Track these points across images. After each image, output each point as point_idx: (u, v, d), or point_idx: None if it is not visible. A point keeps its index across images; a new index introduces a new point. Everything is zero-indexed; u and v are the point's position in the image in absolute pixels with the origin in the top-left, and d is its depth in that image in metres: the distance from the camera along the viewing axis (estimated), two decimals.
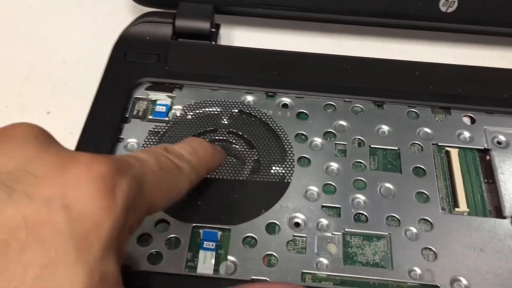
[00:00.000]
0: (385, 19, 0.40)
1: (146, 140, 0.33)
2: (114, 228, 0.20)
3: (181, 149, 0.26)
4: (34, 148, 0.20)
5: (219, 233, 0.29)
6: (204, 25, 0.39)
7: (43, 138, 0.21)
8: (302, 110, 0.35)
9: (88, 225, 0.19)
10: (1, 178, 0.19)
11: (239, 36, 0.43)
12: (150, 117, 0.34)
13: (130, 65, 0.37)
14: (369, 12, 0.40)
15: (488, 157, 0.34)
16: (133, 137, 0.33)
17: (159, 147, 0.25)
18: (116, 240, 0.20)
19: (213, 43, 0.39)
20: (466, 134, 0.34)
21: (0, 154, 0.20)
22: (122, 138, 0.33)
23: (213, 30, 0.39)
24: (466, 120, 0.35)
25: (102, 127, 0.33)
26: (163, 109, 0.35)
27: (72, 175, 0.19)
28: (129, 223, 0.21)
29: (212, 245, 0.29)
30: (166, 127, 0.34)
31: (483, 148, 0.34)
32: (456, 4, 0.38)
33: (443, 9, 0.39)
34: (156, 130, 0.34)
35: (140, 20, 0.39)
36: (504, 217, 0.30)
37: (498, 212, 0.31)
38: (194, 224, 0.29)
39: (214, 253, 0.28)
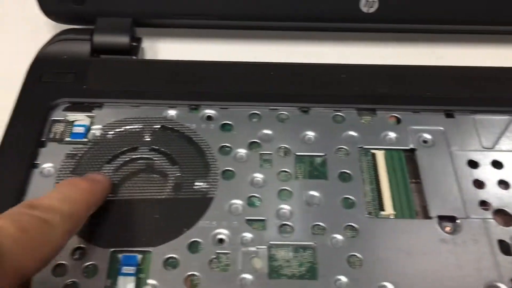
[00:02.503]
0: (306, 22, 0.39)
1: (63, 164, 0.32)
2: None
3: (49, 200, 0.24)
4: None
5: (139, 256, 0.28)
6: (123, 39, 0.38)
7: None
8: (226, 122, 0.34)
9: None
10: None
11: (164, 48, 0.42)
12: (68, 139, 0.33)
13: (46, 86, 0.35)
14: (290, 17, 0.39)
15: (414, 157, 0.33)
16: (49, 161, 0.32)
17: (22, 205, 0.23)
18: None
19: (134, 57, 0.38)
20: (392, 134, 0.34)
21: None
22: (38, 164, 0.32)
23: (133, 44, 0.38)
24: (392, 121, 0.35)
25: (16, 153, 0.32)
26: (81, 130, 0.33)
27: None
28: None
29: (132, 269, 0.28)
30: (85, 149, 0.33)
31: (409, 148, 0.33)
32: (377, 4, 0.38)
33: (364, 9, 0.39)
34: (73, 152, 0.32)
35: (56, 38, 0.38)
36: (430, 218, 0.30)
37: (425, 212, 0.31)
38: (112, 249, 0.28)
39: (134, 278, 0.27)
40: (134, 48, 0.39)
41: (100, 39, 0.38)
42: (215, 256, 0.28)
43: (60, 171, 0.31)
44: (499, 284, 0.27)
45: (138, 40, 0.39)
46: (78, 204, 0.25)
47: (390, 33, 0.41)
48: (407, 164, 0.33)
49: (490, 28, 0.41)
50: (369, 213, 0.30)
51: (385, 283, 0.27)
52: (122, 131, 0.34)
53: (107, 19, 0.38)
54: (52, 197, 0.25)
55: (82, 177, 0.29)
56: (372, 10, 0.38)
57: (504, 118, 0.35)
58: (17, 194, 0.30)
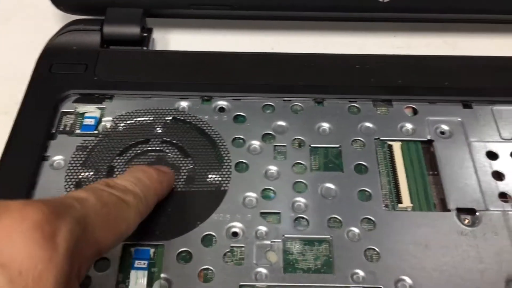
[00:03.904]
0: (322, 12, 0.39)
1: (73, 156, 0.31)
2: (59, 279, 0.18)
3: (124, 181, 0.25)
4: None
5: (152, 250, 0.28)
6: (134, 30, 0.37)
7: None
8: (239, 113, 0.34)
9: (30, 282, 0.17)
10: None
11: (175, 39, 0.41)
12: (78, 131, 0.33)
13: (56, 78, 0.35)
14: (305, 7, 0.38)
15: (432, 149, 0.32)
16: (59, 154, 0.31)
17: (100, 182, 0.24)
18: None
19: (145, 48, 0.38)
20: (409, 126, 0.33)
21: None
22: (48, 156, 0.31)
23: (144, 34, 0.38)
24: (408, 112, 0.34)
25: (26, 146, 0.31)
26: (91, 122, 0.33)
27: (3, 227, 0.18)
28: (75, 270, 0.19)
29: (144, 263, 0.27)
30: (95, 141, 0.32)
31: (426, 139, 0.33)
32: None
33: None
34: (84, 145, 0.32)
35: (66, 29, 0.37)
36: (449, 210, 0.29)
37: (444, 205, 0.30)
38: (124, 243, 0.28)
39: (146, 272, 0.27)
40: (144, 39, 0.38)
41: (110, 29, 0.37)
42: (229, 250, 0.28)
43: (71, 163, 0.31)
44: None
45: (149, 31, 0.39)
46: (150, 190, 0.26)
47: (405, 22, 0.40)
48: (424, 156, 0.32)
49: (507, 17, 0.40)
50: (386, 206, 0.30)
51: (403, 277, 0.27)
52: (133, 123, 0.33)
53: (117, 10, 0.38)
54: (126, 179, 0.25)
55: (151, 166, 0.28)
56: None
57: None
58: (28, 186, 0.29)
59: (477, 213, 0.29)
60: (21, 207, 0.18)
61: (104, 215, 0.22)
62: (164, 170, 0.29)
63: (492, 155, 0.32)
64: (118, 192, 0.24)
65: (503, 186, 0.30)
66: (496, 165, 0.31)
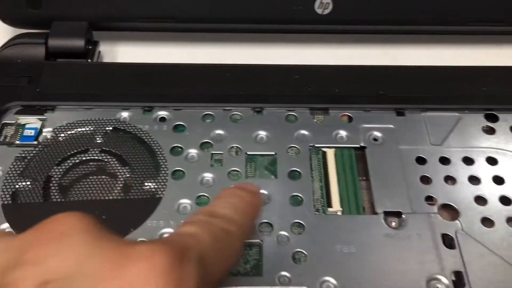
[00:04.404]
0: (262, 24, 0.40)
1: (11, 166, 0.32)
2: None
3: (223, 210, 0.24)
4: (85, 245, 0.18)
5: None
6: (78, 43, 0.38)
7: (93, 230, 0.19)
8: (179, 123, 0.35)
9: None
10: (56, 286, 0.17)
11: (123, 52, 0.42)
12: (18, 142, 0.33)
13: None
14: (247, 19, 0.40)
15: (364, 155, 0.33)
16: None
17: (203, 213, 0.23)
18: None
19: (89, 61, 0.38)
20: (343, 133, 0.34)
21: (50, 256, 0.18)
22: None
23: (89, 47, 0.39)
24: (344, 120, 0.35)
25: None
26: (31, 132, 0.33)
27: (133, 273, 0.17)
28: None
29: None
30: (35, 151, 0.33)
31: (359, 146, 0.34)
32: (331, 6, 0.39)
33: (319, 11, 0.39)
34: (23, 155, 0.32)
35: (11, 42, 0.38)
36: (377, 213, 0.30)
37: (373, 209, 0.31)
38: None
39: None
40: (89, 52, 0.39)
41: (55, 42, 0.38)
42: None
43: (8, 173, 0.31)
44: (440, 277, 0.28)
45: (94, 44, 0.40)
46: (246, 216, 0.24)
47: (345, 34, 0.42)
48: (357, 162, 0.33)
49: (439, 29, 0.41)
50: (317, 210, 0.31)
51: (328, 278, 0.28)
52: (74, 133, 0.34)
53: (63, 23, 0.39)
54: (225, 207, 0.24)
55: (240, 188, 0.26)
56: (326, 11, 0.39)
57: (452, 115, 0.35)
58: None
59: (403, 216, 0.30)
60: (148, 252, 0.18)
61: (217, 251, 0.21)
62: (252, 189, 0.26)
63: (421, 160, 0.33)
64: (222, 223, 0.23)
65: (430, 189, 0.31)
66: (424, 170, 0.32)
